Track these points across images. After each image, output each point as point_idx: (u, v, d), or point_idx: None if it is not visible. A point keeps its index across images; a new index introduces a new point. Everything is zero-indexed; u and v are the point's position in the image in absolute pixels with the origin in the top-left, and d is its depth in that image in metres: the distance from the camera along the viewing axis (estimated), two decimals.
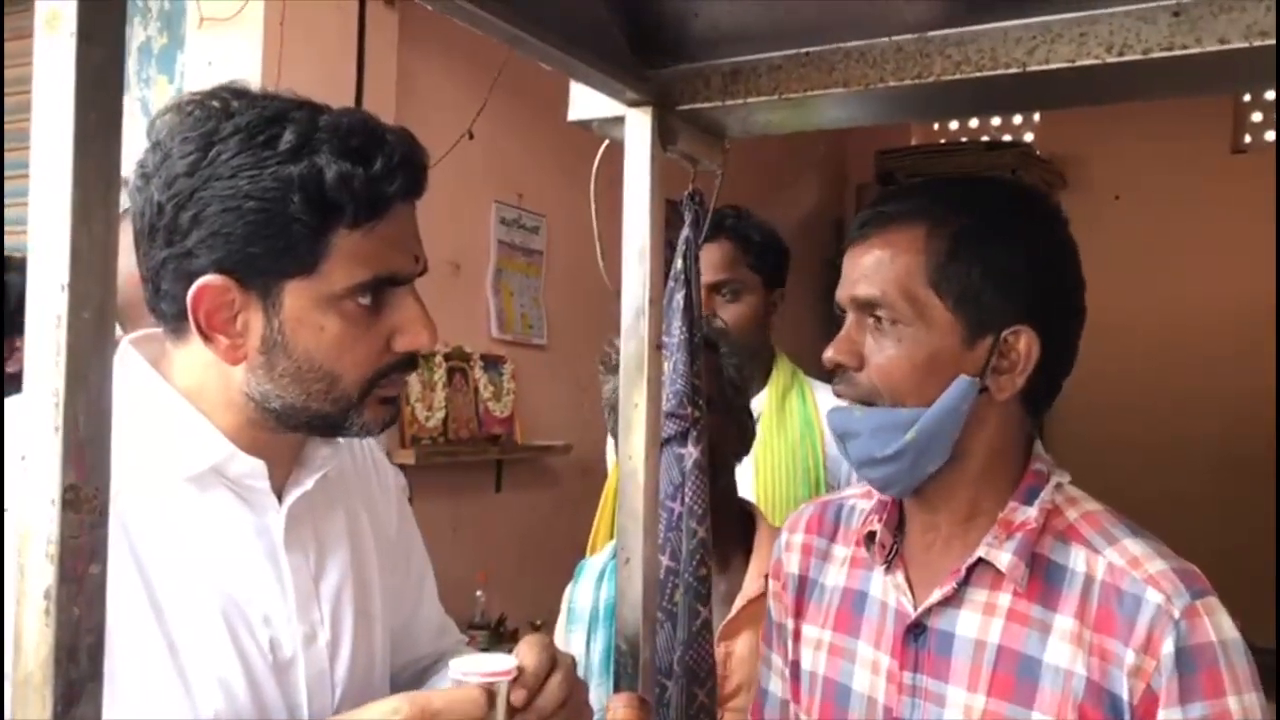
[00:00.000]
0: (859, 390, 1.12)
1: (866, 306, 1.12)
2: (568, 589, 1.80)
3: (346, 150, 0.95)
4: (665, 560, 1.33)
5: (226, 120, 0.95)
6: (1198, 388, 5.20)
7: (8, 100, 3.08)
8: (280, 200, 0.93)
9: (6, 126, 3.02)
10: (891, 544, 1.19)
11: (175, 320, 0.99)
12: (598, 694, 1.53)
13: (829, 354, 1.14)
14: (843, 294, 1.14)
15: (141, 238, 0.98)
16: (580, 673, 1.68)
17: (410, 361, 1.06)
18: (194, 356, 1.02)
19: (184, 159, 0.95)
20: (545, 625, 2.96)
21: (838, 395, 1.15)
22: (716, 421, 1.62)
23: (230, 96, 0.98)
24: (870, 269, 1.11)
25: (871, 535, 1.20)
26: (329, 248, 0.96)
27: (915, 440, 1.08)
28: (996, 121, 6.04)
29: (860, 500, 1.28)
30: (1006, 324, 1.08)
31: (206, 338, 0.98)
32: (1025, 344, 1.08)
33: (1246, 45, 0.95)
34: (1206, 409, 5.15)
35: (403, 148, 0.99)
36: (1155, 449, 5.24)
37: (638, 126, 1.24)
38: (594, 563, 1.79)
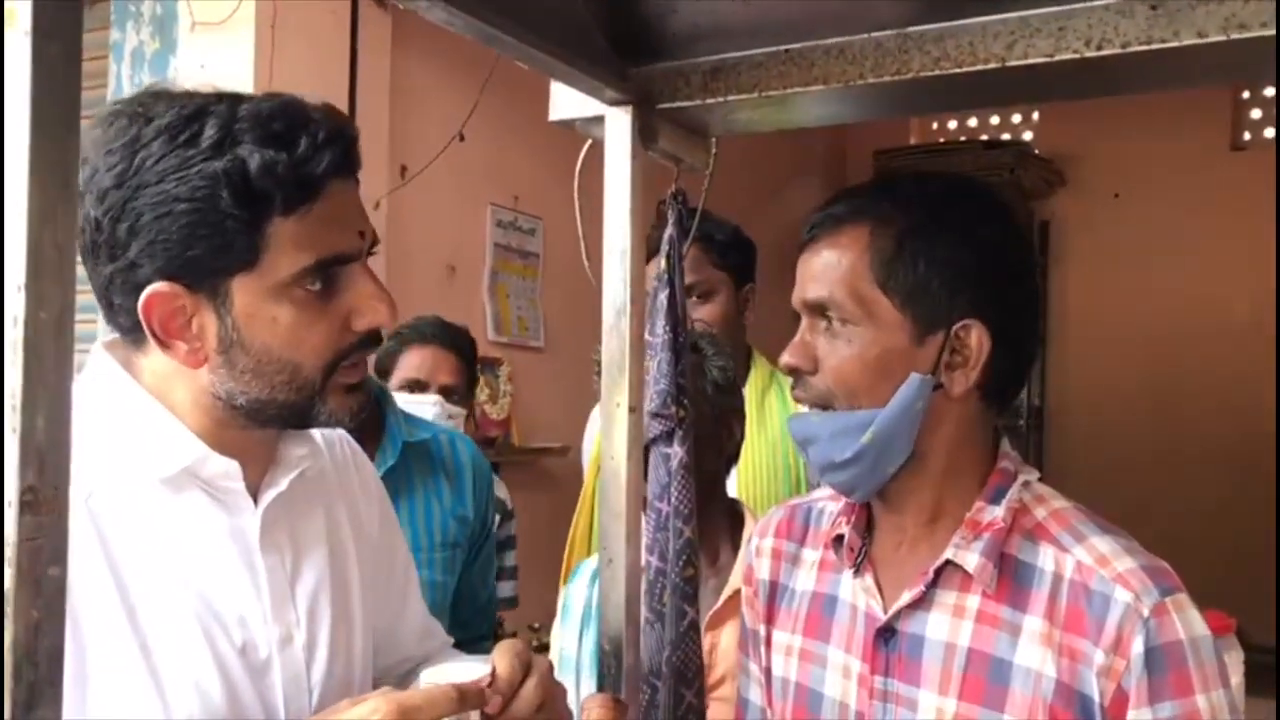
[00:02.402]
0: (814, 393, 1.13)
1: (817, 309, 1.12)
2: (564, 588, 1.81)
3: (268, 137, 0.94)
4: (655, 561, 1.33)
5: (148, 125, 0.95)
6: (1198, 386, 5.18)
7: None
8: (210, 198, 0.93)
9: None
10: (860, 546, 1.18)
11: (133, 332, 0.99)
12: (589, 688, 1.54)
13: (784, 359, 1.14)
14: (796, 298, 1.15)
15: (86, 256, 0.97)
16: (572, 669, 1.70)
17: (372, 340, 1.05)
18: (158, 363, 1.02)
19: (110, 171, 0.94)
20: (543, 628, 2.95)
21: (796, 400, 1.16)
22: (698, 421, 1.62)
23: (151, 100, 0.98)
24: (819, 271, 1.12)
25: (839, 538, 1.20)
26: (266, 238, 0.95)
27: (873, 441, 1.08)
28: (995, 120, 6.04)
29: (829, 502, 1.28)
30: (956, 319, 1.08)
31: (164, 345, 0.98)
32: (976, 338, 1.08)
33: (1225, 39, 0.95)
34: (1206, 407, 5.13)
35: (328, 125, 0.98)
36: (1154, 447, 5.22)
37: (618, 125, 1.23)
38: (590, 562, 1.81)
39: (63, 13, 0.62)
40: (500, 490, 2.74)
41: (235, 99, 0.98)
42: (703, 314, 2.17)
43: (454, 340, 2.51)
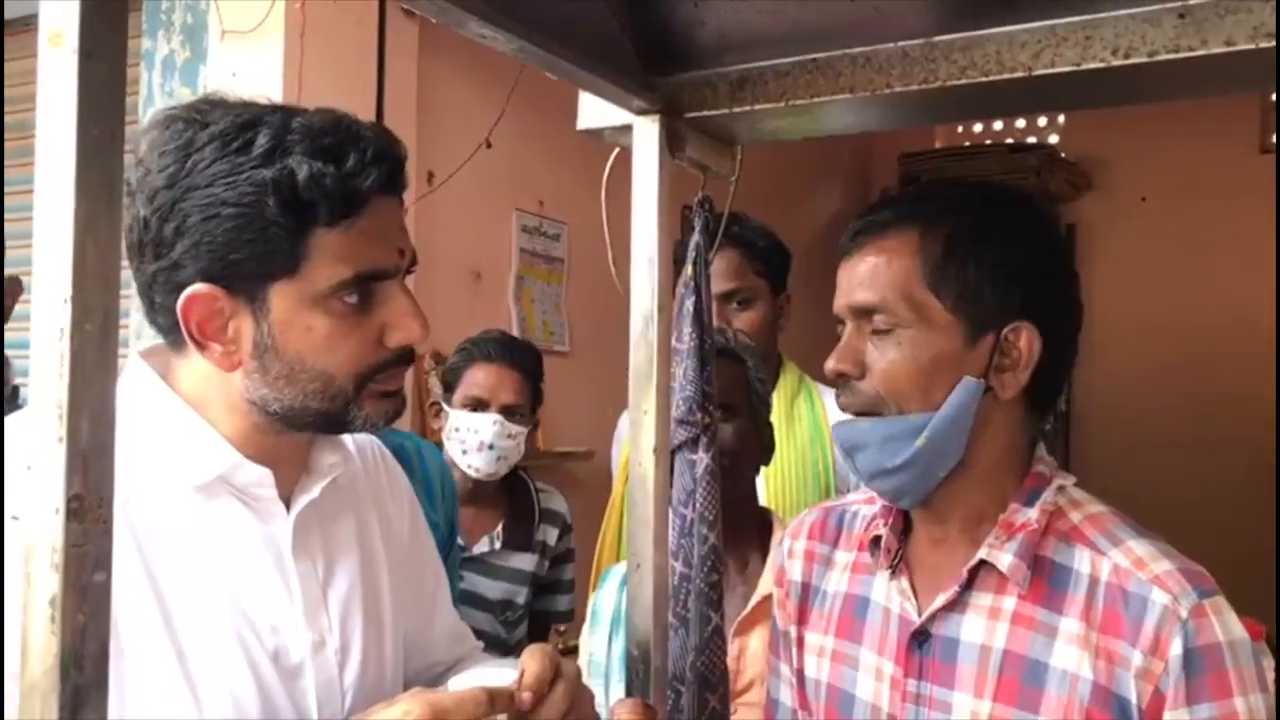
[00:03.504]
0: (863, 399, 1.12)
1: (865, 313, 1.12)
2: (594, 593, 1.82)
3: (318, 149, 0.96)
4: (679, 566, 1.34)
5: (202, 130, 0.97)
6: (1226, 390, 5.14)
7: (12, 117, 3.11)
8: (256, 204, 0.94)
9: (11, 143, 3.05)
10: (897, 549, 1.19)
11: (171, 332, 1.01)
12: (618, 693, 1.55)
13: (830, 364, 1.14)
14: (840, 303, 1.15)
15: (132, 253, 0.99)
16: (601, 674, 1.71)
17: (405, 356, 1.06)
18: (195, 366, 1.03)
19: (163, 172, 0.96)
20: (568, 631, 2.96)
21: (841, 407, 1.15)
22: (742, 430, 1.64)
23: (208, 107, 1.00)
24: (867, 276, 1.12)
25: (877, 540, 1.20)
26: (308, 248, 0.97)
27: (926, 447, 1.08)
28: (1021, 123, 6.00)
29: (863, 506, 1.28)
30: (1006, 322, 1.09)
31: (201, 347, 0.99)
32: (1026, 340, 1.09)
33: (1253, 47, 0.95)
34: (1235, 411, 5.08)
35: (377, 143, 1.00)
36: (1183, 451, 5.17)
37: (646, 134, 1.25)
38: (618, 568, 1.82)
39: (108, 34, 0.63)
40: (559, 503, 2.74)
41: (289, 111, 1.00)
42: (742, 321, 2.16)
43: (518, 358, 2.52)
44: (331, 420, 1.04)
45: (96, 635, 0.63)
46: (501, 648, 2.48)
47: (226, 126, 0.96)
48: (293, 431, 1.05)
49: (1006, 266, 1.09)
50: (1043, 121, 5.92)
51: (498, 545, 2.55)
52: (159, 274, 0.98)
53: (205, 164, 0.95)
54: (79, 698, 0.62)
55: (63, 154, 0.62)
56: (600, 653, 1.72)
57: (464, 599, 2.40)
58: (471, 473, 2.46)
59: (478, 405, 2.45)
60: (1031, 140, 5.71)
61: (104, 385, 0.64)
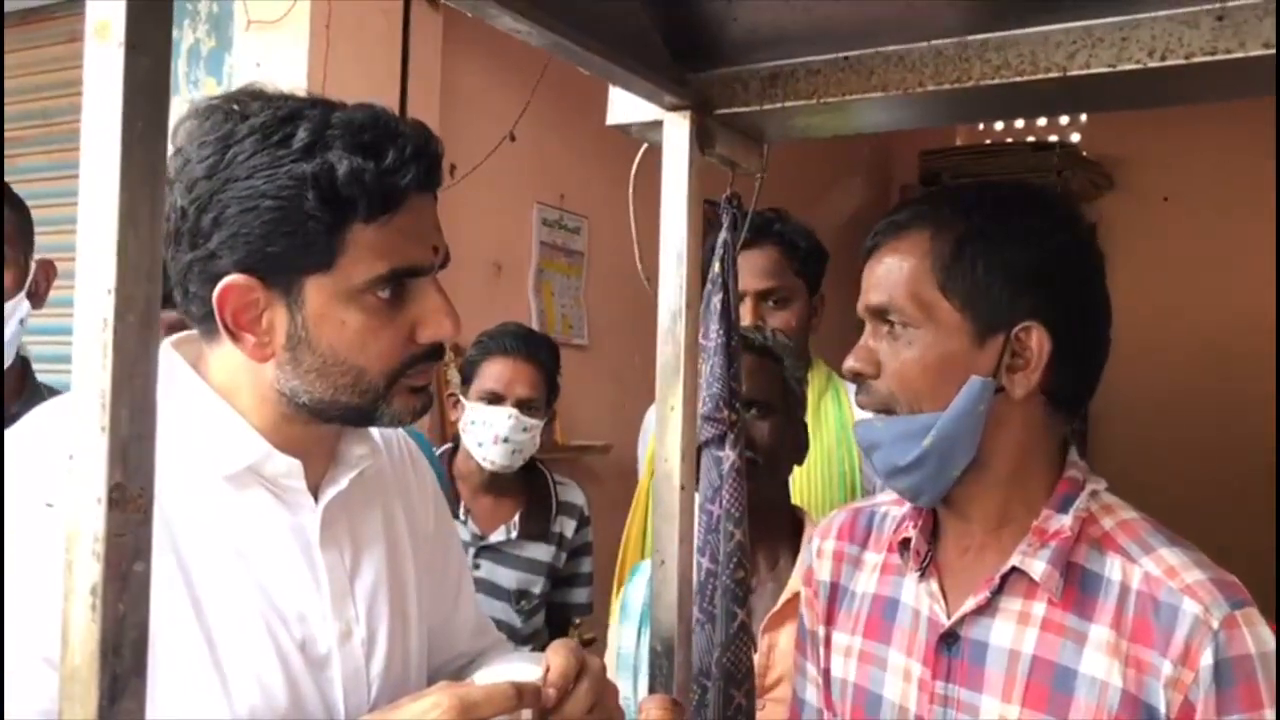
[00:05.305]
0: (877, 398, 1.13)
1: (879, 314, 1.13)
2: (622, 587, 1.83)
3: (358, 145, 0.96)
4: (706, 563, 1.34)
5: (242, 122, 0.97)
6: (1246, 389, 5.11)
7: (60, 101, 3.15)
8: (295, 198, 0.95)
9: (59, 127, 3.09)
10: (926, 551, 1.19)
11: (205, 321, 1.01)
12: (646, 686, 1.56)
13: (848, 363, 1.15)
14: (860, 304, 1.16)
15: (168, 242, 0.99)
16: (630, 667, 1.71)
17: (435, 352, 1.07)
18: (227, 356, 1.04)
19: (202, 163, 0.96)
20: (583, 624, 2.96)
21: (860, 405, 1.17)
22: (777, 428, 1.64)
23: (247, 99, 1.00)
24: (881, 277, 1.13)
25: (906, 542, 1.20)
26: (345, 243, 0.97)
27: (934, 445, 1.08)
28: (1042, 122, 5.96)
29: (893, 507, 1.28)
30: (1016, 321, 1.08)
31: (234, 337, 1.00)
32: (1037, 341, 1.08)
33: None
34: (1255, 411, 5.05)
35: (416, 140, 1.00)
36: (1204, 452, 5.15)
37: (676, 130, 1.25)
38: (649, 563, 1.82)
39: (153, 27, 0.64)
40: (577, 496, 2.74)
41: (329, 105, 1.00)
42: (777, 320, 2.14)
43: (534, 352, 2.53)
44: (360, 414, 1.05)
45: (136, 624, 0.64)
46: (516, 637, 2.49)
47: (267, 119, 0.97)
48: (320, 423, 1.06)
49: (1016, 266, 1.08)
50: (1065, 120, 5.88)
51: (514, 534, 2.56)
52: (195, 263, 0.98)
53: (245, 156, 0.95)
54: (118, 685, 0.63)
55: (107, 146, 0.62)
56: (629, 646, 1.72)
57: (480, 587, 2.40)
58: (486, 465, 2.48)
59: (493, 399, 2.46)
60: (1053, 139, 5.67)
61: (145, 375, 0.64)
